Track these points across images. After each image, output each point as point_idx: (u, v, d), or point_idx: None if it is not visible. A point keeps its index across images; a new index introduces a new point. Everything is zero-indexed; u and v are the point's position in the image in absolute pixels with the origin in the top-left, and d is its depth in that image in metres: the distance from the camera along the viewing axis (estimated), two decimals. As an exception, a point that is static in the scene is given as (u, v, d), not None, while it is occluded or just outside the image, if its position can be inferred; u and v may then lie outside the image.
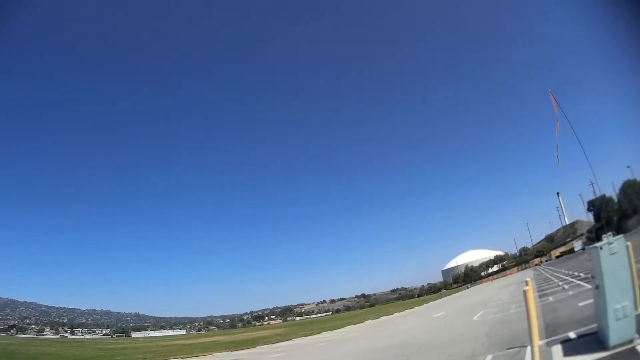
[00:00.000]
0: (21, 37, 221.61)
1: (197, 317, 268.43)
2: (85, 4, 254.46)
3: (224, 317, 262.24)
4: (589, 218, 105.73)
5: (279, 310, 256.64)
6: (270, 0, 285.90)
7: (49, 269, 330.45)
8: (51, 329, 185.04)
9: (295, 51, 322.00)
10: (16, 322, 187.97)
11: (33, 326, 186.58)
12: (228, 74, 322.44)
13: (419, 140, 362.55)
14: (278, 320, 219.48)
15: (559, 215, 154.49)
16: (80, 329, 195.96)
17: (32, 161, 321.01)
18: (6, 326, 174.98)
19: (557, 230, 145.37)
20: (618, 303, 9.58)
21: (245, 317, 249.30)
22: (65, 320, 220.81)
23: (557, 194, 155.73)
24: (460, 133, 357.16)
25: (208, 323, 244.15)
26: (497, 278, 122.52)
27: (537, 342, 10.24)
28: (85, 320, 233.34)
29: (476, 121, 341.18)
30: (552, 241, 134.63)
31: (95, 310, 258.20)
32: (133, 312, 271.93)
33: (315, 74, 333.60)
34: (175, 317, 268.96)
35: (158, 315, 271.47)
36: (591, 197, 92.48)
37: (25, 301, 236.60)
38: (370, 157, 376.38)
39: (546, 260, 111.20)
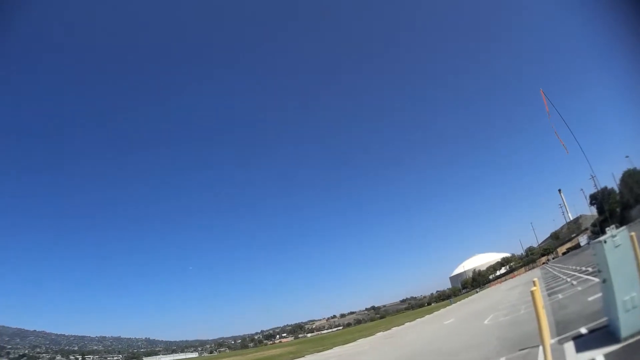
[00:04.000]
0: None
1: (208, 339, 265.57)
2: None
3: (235, 338, 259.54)
4: (592, 212, 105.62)
5: (290, 327, 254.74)
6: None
7: (56, 297, 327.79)
8: (62, 357, 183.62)
9: (296, 55, 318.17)
10: (27, 351, 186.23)
11: (44, 355, 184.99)
12: (237, 82, 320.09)
13: (417, 148, 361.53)
14: (289, 338, 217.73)
15: (562, 212, 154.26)
16: (91, 356, 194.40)
17: (41, 189, 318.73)
18: (17, 355, 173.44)
19: (562, 227, 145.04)
20: (626, 294, 9.48)
21: (256, 337, 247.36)
22: (75, 348, 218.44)
23: (559, 190, 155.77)
24: (456, 139, 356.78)
25: (219, 345, 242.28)
26: (505, 280, 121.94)
27: (548, 341, 10.07)
28: (95, 347, 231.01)
29: (470, 125, 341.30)
30: (557, 238, 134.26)
31: (105, 337, 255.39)
32: (144, 337, 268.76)
33: (323, 80, 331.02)
34: (186, 340, 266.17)
35: (169, 339, 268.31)
36: (592, 190, 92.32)
37: (35, 330, 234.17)
38: (371, 169, 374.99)
39: (553, 258, 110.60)
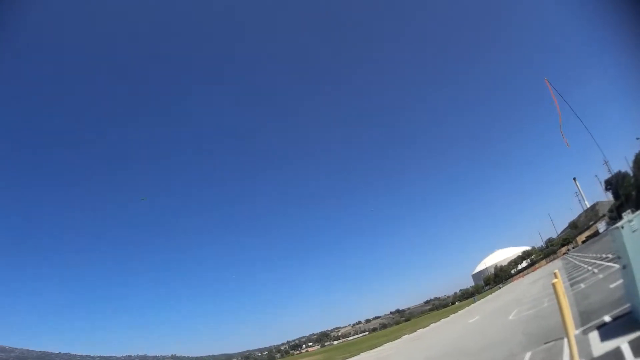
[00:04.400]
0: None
1: (235, 353, 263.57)
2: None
3: (261, 350, 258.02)
4: (608, 198, 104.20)
5: (316, 336, 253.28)
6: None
7: (80, 318, 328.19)
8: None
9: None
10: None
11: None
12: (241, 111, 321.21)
13: (431, 148, 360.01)
14: (316, 347, 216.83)
15: (579, 200, 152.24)
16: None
17: (65, 206, 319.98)
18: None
19: (579, 216, 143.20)
20: (647, 279, 9.39)
21: (282, 347, 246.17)
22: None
23: (574, 179, 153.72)
24: (467, 137, 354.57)
25: (246, 357, 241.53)
26: (527, 274, 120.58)
27: (573, 332, 10.01)
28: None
29: (481, 124, 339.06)
30: (575, 227, 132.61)
31: (130, 356, 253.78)
32: (170, 354, 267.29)
33: (332, 82, 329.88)
34: (213, 355, 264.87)
35: (195, 355, 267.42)
36: (607, 176, 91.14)
37: (59, 352, 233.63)
38: (388, 173, 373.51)
39: (573, 248, 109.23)
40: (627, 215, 10.04)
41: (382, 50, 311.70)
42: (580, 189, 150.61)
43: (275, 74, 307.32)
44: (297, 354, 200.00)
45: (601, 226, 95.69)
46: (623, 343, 9.24)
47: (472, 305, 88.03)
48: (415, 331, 63.75)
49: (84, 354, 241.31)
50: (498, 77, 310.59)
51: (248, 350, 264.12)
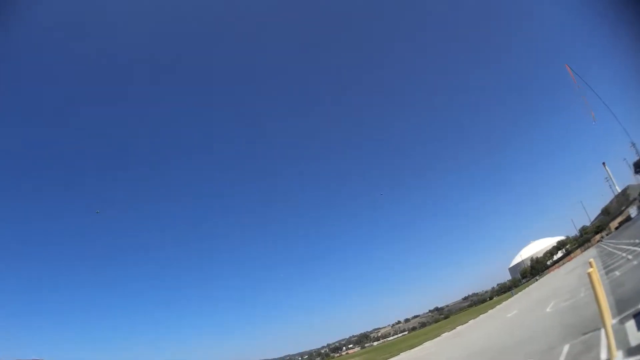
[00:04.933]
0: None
1: (275, 358, 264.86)
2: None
3: (301, 354, 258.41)
4: (638, 180, 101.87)
5: (356, 338, 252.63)
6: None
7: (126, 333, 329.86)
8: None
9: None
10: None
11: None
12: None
13: (465, 143, 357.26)
14: (356, 349, 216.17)
15: (610, 186, 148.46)
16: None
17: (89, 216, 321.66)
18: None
19: (611, 201, 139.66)
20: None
21: (322, 351, 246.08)
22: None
23: (603, 164, 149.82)
24: (494, 131, 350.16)
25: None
26: (563, 264, 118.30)
27: (610, 322, 10.03)
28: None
29: (503, 118, 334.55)
30: (608, 213, 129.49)
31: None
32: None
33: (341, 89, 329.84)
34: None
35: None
36: (635, 158, 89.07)
37: None
38: (421, 170, 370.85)
39: (606, 234, 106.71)
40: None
41: (392, 50, 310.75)
42: (610, 173, 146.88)
43: (281, 73, 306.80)
44: (338, 356, 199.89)
45: (633, 211, 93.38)
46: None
47: (510, 299, 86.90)
48: (454, 328, 63.23)
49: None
50: (522, 71, 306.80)
51: (288, 355, 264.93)
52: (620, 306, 13.93)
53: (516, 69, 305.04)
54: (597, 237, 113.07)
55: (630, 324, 11.07)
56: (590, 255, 62.13)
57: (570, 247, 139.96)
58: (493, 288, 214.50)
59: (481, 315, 70.09)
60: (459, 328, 60.64)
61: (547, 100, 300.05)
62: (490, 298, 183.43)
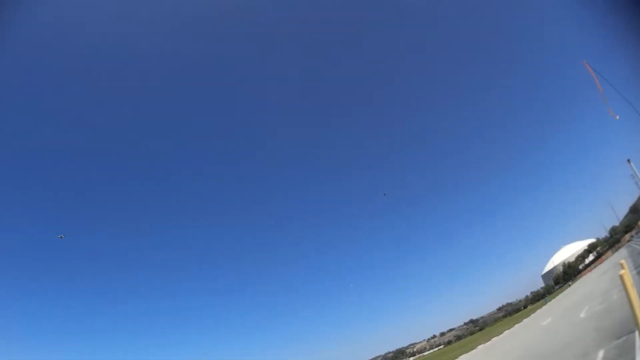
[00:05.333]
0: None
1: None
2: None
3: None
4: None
5: (392, 354, 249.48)
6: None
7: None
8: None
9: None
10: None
11: None
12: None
13: (489, 153, 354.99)
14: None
15: (636, 182, 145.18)
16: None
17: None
18: None
19: (639, 198, 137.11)
20: None
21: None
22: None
23: (628, 160, 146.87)
24: (516, 139, 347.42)
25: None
26: (595, 267, 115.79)
27: (644, 324, 9.77)
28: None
29: (525, 125, 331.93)
30: (636, 211, 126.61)
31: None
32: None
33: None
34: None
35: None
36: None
37: None
38: (449, 182, 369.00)
39: (636, 233, 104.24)
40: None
41: (403, 60, 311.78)
42: (635, 170, 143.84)
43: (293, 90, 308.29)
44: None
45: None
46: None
47: (544, 307, 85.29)
48: (489, 340, 62.36)
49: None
50: (539, 74, 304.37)
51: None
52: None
53: (533, 71, 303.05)
54: (627, 236, 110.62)
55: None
56: (621, 256, 60.85)
57: (601, 249, 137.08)
58: (527, 296, 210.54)
59: (516, 325, 68.94)
60: (494, 339, 59.81)
61: (565, 101, 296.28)
62: (525, 307, 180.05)
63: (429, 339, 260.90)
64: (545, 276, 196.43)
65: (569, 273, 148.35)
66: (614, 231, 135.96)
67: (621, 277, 10.00)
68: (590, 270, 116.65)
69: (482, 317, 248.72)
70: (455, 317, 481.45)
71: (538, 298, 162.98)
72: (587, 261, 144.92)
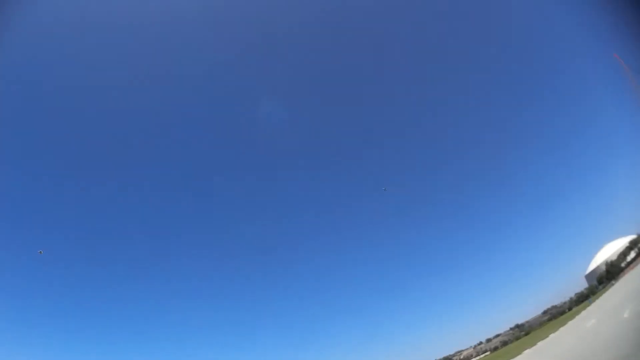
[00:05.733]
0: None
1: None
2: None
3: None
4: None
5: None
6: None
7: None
8: None
9: None
10: None
11: None
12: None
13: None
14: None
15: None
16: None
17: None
18: None
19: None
20: None
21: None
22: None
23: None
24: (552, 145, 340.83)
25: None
26: (637, 264, 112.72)
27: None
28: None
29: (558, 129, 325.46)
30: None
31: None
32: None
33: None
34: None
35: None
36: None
37: None
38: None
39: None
40: None
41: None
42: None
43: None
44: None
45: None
46: None
47: (588, 308, 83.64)
48: (535, 344, 61.68)
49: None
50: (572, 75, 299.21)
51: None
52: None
53: (565, 74, 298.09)
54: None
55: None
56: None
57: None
58: (571, 298, 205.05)
59: (561, 328, 67.88)
60: (539, 344, 59.24)
61: (596, 97, 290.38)
62: (569, 309, 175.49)
63: (475, 346, 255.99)
64: (588, 276, 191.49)
65: (612, 272, 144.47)
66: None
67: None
68: (632, 268, 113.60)
69: (527, 322, 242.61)
70: (501, 323, 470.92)
71: (582, 299, 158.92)
72: (628, 258, 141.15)
